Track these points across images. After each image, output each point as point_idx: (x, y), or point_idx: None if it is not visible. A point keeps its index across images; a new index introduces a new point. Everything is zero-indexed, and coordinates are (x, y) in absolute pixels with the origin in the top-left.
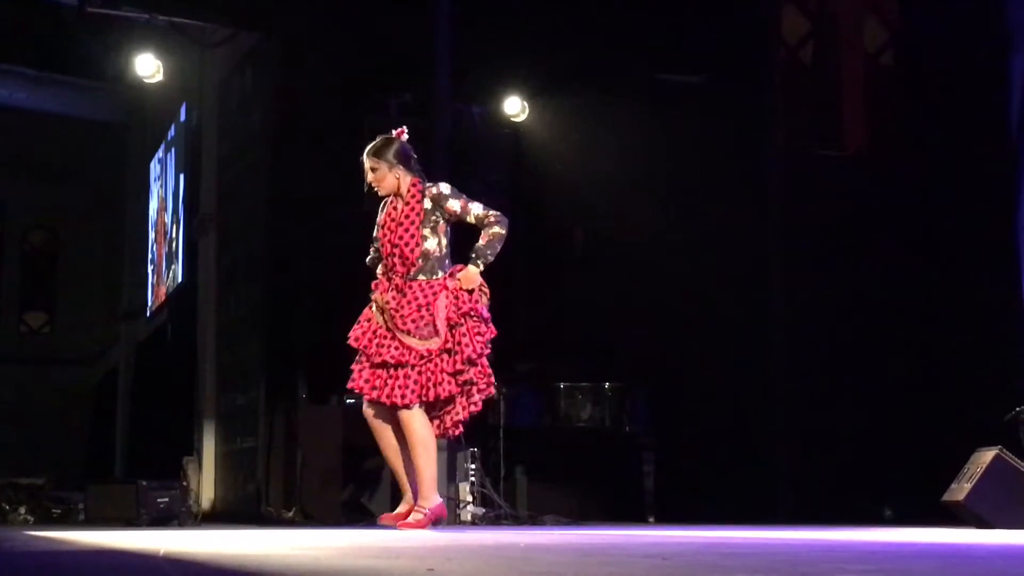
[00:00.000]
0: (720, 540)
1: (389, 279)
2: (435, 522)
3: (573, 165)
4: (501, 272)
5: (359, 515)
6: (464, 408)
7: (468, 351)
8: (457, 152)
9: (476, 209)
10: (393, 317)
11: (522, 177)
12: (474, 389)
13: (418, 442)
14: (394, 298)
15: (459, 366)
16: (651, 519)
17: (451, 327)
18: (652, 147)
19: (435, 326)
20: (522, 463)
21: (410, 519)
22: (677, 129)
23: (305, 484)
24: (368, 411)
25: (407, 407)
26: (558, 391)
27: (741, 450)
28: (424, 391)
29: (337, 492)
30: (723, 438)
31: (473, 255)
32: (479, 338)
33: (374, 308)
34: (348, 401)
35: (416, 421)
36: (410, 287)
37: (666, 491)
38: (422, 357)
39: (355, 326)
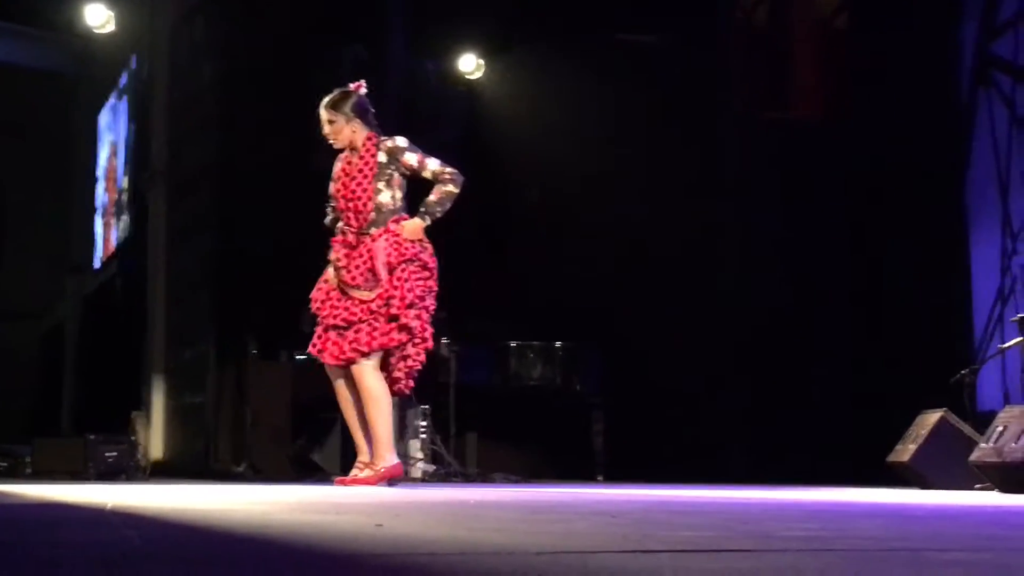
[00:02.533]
0: (669, 499)
1: (344, 235)
2: (389, 481)
3: (528, 123)
4: (454, 230)
5: (309, 471)
6: (404, 361)
7: (408, 295)
8: (410, 108)
9: (433, 164)
10: (342, 273)
11: (477, 135)
12: (408, 345)
13: (369, 397)
14: (346, 254)
15: (394, 310)
16: (600, 478)
17: (391, 271)
18: (608, 107)
19: (375, 270)
20: (473, 421)
21: (360, 475)
22: (633, 89)
23: (254, 440)
24: (327, 368)
25: (356, 361)
26: (509, 350)
27: (692, 411)
28: (373, 343)
29: (287, 448)
30: (674, 399)
31: (422, 209)
32: (420, 283)
33: (331, 268)
34: (298, 357)
35: (368, 375)
36: (362, 241)
37: (616, 451)
38: (371, 311)
39: (316, 288)
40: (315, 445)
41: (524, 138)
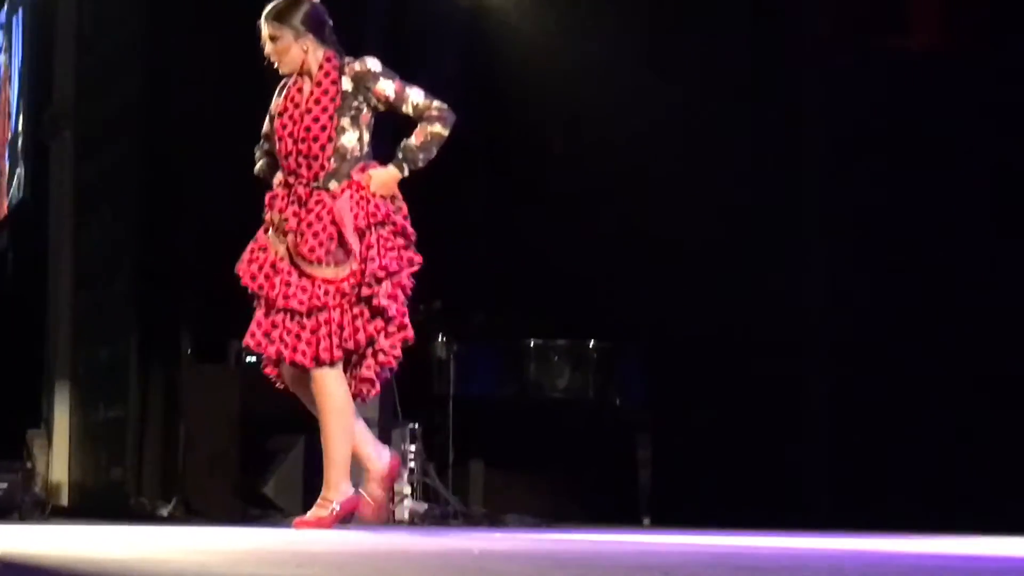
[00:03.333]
0: (735, 549)
1: (289, 188)
2: (344, 520)
3: (552, 55)
4: (449, 190)
5: (260, 510)
6: (376, 357)
7: (374, 266)
8: (396, 32)
9: (415, 96)
10: (296, 243)
11: (484, 69)
12: (380, 335)
13: (332, 410)
14: (295, 215)
15: (364, 289)
16: (646, 521)
17: (360, 236)
18: (652, 36)
19: (342, 239)
20: (478, 445)
21: (309, 515)
22: (685, 14)
23: (189, 468)
24: (277, 374)
25: (323, 365)
26: (527, 351)
27: (764, 434)
28: (345, 339)
29: (231, 479)
30: (741, 418)
31: (398, 155)
32: (393, 252)
33: (270, 232)
34: (248, 359)
35: (332, 383)
36: (317, 199)
37: (666, 485)
38: (343, 294)
39: (245, 256)
40: (268, 475)
41: (546, 74)
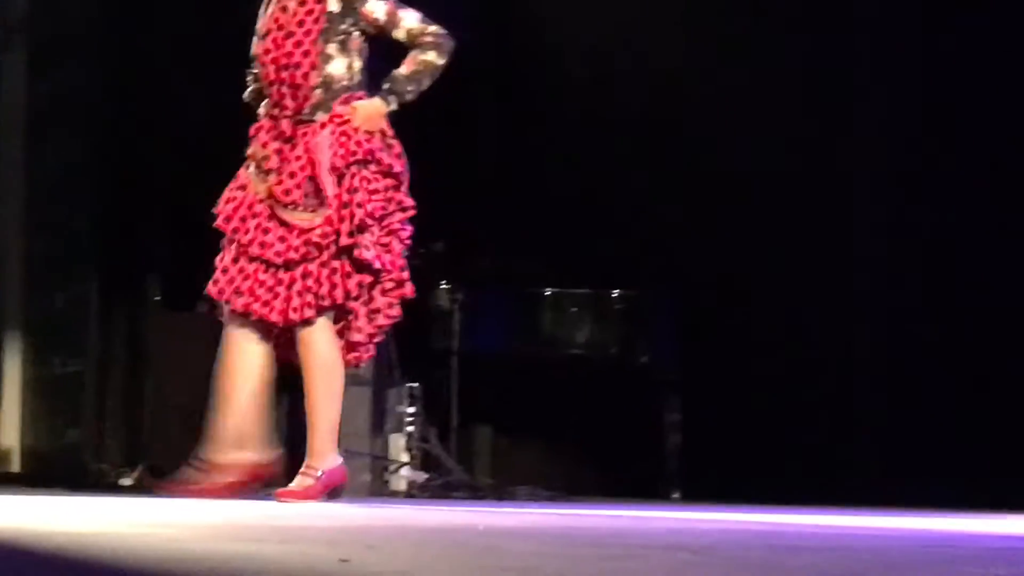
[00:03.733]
0: (774, 527)
1: (275, 121)
2: (331, 492)
3: None
4: (454, 116)
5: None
6: (370, 318)
7: (358, 211)
8: None
9: (410, 20)
10: (273, 182)
11: None
12: (375, 292)
13: (319, 370)
14: (278, 152)
15: (343, 239)
16: (675, 495)
17: (338, 177)
18: None
19: (318, 180)
20: (485, 407)
21: (293, 485)
22: None
23: (157, 430)
24: (231, 323)
25: (308, 322)
26: (541, 301)
27: (807, 398)
28: (321, 296)
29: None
30: (782, 379)
31: (386, 85)
32: (376, 196)
33: (251, 169)
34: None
35: (321, 339)
36: (303, 133)
37: (698, 454)
38: (320, 247)
39: (225, 195)
40: None
41: None
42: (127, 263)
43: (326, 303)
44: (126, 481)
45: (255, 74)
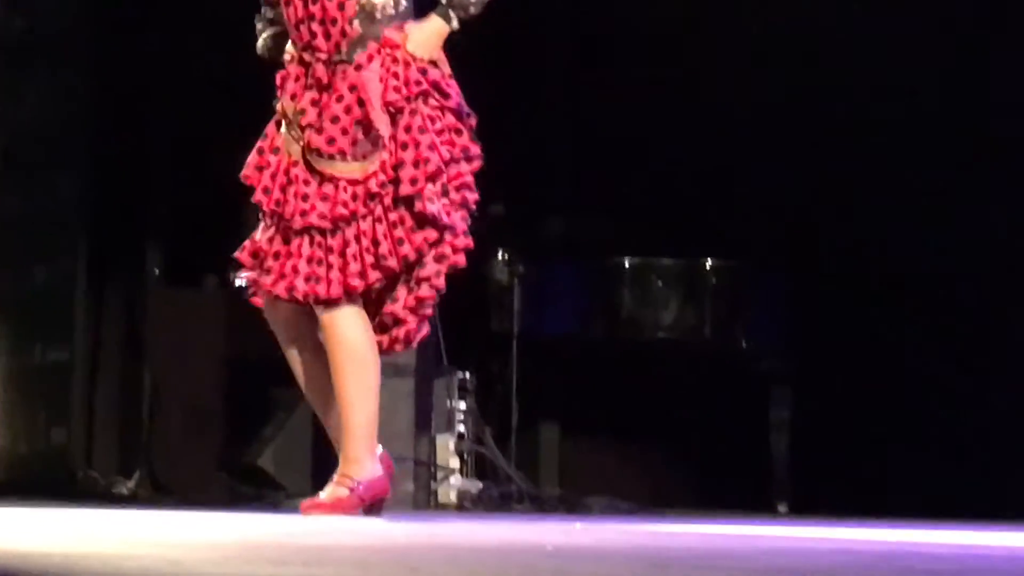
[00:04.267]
0: (903, 547)
1: (306, 68)
2: (370, 505)
3: None
4: (516, 55)
5: (253, 487)
6: (418, 287)
7: (431, 156)
8: None
9: None
10: (310, 135)
11: None
12: (429, 256)
13: (347, 360)
14: (314, 103)
15: (407, 188)
16: (783, 508)
17: (393, 117)
18: None
19: (368, 121)
20: (552, 403)
21: (324, 495)
22: None
23: (157, 431)
24: (273, 313)
25: (331, 302)
26: (620, 273)
27: (946, 395)
28: (382, 256)
29: (214, 446)
30: (917, 370)
31: (443, 1)
32: (444, 135)
33: (283, 128)
34: (238, 282)
35: (345, 324)
36: (342, 76)
37: (810, 459)
38: (371, 196)
39: (254, 159)
40: (266, 442)
41: None
42: (121, 231)
43: (391, 264)
44: (121, 490)
45: (269, 18)
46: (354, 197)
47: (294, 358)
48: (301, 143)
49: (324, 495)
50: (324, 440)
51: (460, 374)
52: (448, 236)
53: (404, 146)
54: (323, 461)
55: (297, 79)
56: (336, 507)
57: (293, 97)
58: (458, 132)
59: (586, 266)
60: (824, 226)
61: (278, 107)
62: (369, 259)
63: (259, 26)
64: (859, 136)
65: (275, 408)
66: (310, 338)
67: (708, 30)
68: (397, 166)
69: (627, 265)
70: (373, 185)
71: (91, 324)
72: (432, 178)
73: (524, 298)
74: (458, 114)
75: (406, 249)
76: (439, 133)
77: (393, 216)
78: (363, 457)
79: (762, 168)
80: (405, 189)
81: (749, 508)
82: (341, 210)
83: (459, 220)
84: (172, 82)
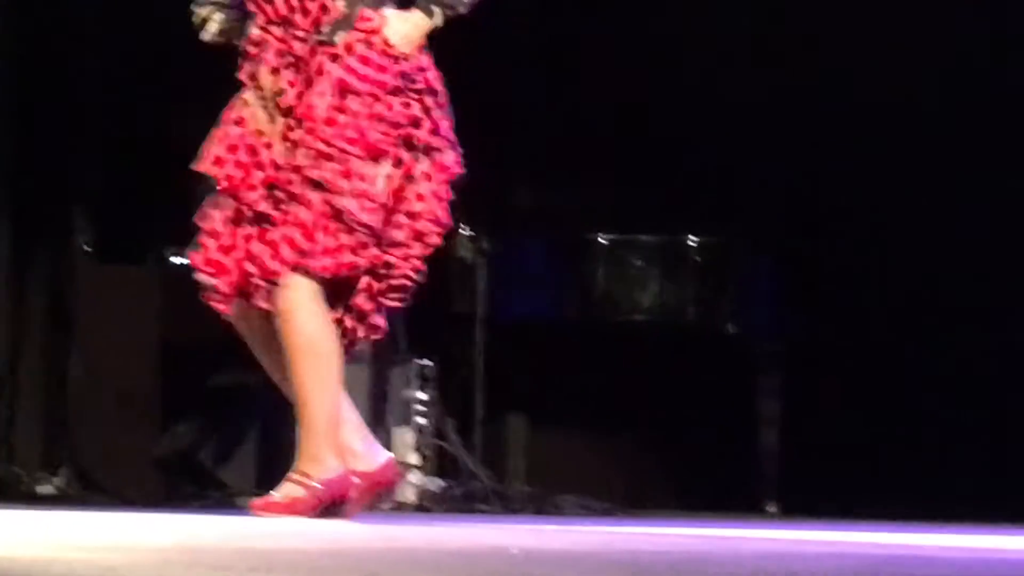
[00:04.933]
0: (902, 551)
1: (287, 44)
2: (328, 505)
3: None
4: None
5: (194, 486)
6: (380, 277)
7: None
8: None
9: None
10: (303, 122)
11: None
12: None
13: (302, 349)
14: (291, 84)
15: (360, 166)
16: (772, 508)
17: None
18: None
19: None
20: (520, 393)
21: (277, 494)
22: None
23: (86, 422)
24: (233, 309)
25: (274, 279)
26: (595, 250)
27: (946, 384)
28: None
29: (148, 439)
30: (915, 357)
31: None
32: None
33: (253, 100)
34: (174, 260)
35: (300, 309)
36: (321, 62)
37: (802, 455)
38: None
39: (217, 134)
40: (207, 434)
41: None
42: (47, 201)
43: (308, 257)
44: (46, 489)
45: (217, 1)
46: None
47: (254, 342)
48: (278, 125)
49: (277, 493)
50: (269, 433)
51: (419, 361)
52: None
53: (352, 131)
54: (269, 455)
55: (276, 52)
56: (291, 507)
57: (275, 72)
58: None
59: (557, 243)
60: (818, 201)
61: (247, 76)
62: (285, 248)
63: (203, 10)
64: (858, 110)
65: (216, 397)
66: (265, 320)
67: None
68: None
69: (602, 242)
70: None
71: (12, 305)
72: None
73: (490, 277)
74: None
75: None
76: (412, 124)
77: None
78: (322, 454)
79: (752, 138)
80: (308, 169)
81: (735, 508)
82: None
83: (436, 208)
84: (106, 28)
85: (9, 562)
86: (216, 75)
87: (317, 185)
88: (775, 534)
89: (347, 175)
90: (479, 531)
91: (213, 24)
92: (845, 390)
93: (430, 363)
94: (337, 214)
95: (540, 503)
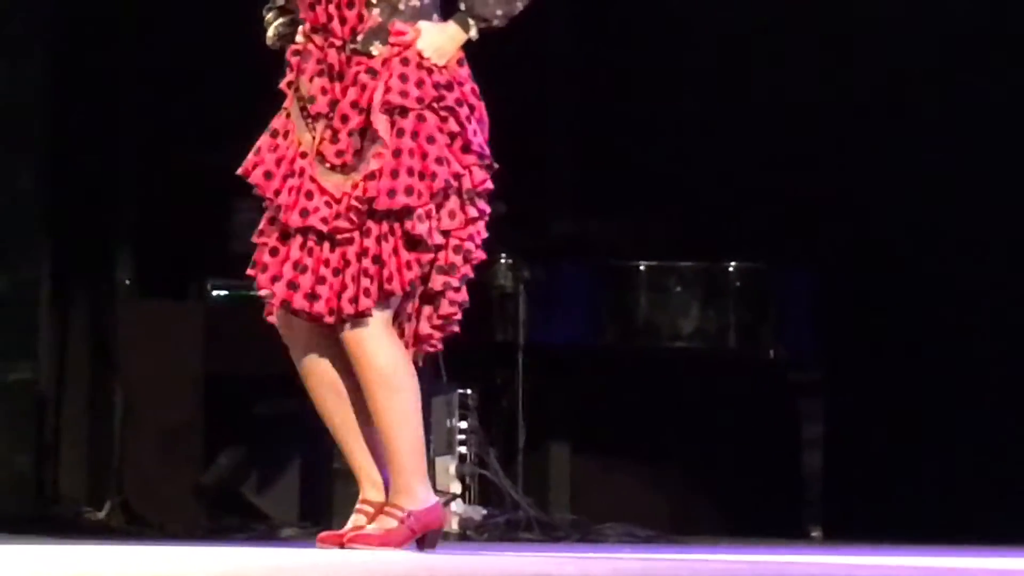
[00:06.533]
0: (948, 574)
1: (323, 52)
2: (421, 539)
3: None
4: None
5: (239, 517)
6: (433, 304)
7: (427, 169)
8: None
9: None
10: (324, 139)
11: None
12: (433, 273)
13: (380, 382)
14: (324, 91)
15: (401, 197)
16: (815, 533)
17: (393, 120)
18: None
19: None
20: (562, 420)
21: (370, 528)
22: None
23: (130, 455)
24: (286, 327)
25: (361, 317)
26: (635, 276)
27: (991, 408)
28: (386, 279)
29: (192, 472)
30: (960, 382)
31: (463, 5)
32: (446, 145)
33: (294, 109)
34: (217, 293)
35: (376, 342)
36: (355, 72)
37: (845, 480)
38: (373, 212)
39: (258, 147)
40: (250, 467)
41: None
42: (88, 235)
43: (393, 288)
44: (92, 518)
45: (280, 5)
46: (348, 208)
47: (311, 369)
48: (312, 133)
49: (372, 527)
50: (311, 464)
51: (461, 390)
52: (445, 262)
53: (411, 154)
54: (311, 487)
55: (314, 59)
56: (385, 540)
57: (311, 79)
58: (463, 138)
59: (597, 270)
60: (857, 225)
61: (288, 87)
62: (366, 282)
63: (268, 15)
64: (894, 132)
65: (258, 429)
66: (327, 346)
67: (727, 21)
68: (394, 173)
69: (642, 268)
70: (357, 198)
71: (55, 339)
72: (437, 194)
73: (530, 305)
74: (469, 119)
75: (409, 274)
76: (443, 141)
77: (382, 227)
78: (413, 485)
79: (790, 164)
80: (383, 202)
81: (779, 534)
82: (341, 223)
83: (481, 230)
84: (143, 68)
85: None
86: (254, 105)
87: (398, 214)
88: (820, 559)
89: (421, 198)
90: (522, 560)
91: (271, 28)
92: (887, 414)
93: (471, 392)
94: (409, 240)
95: (583, 531)
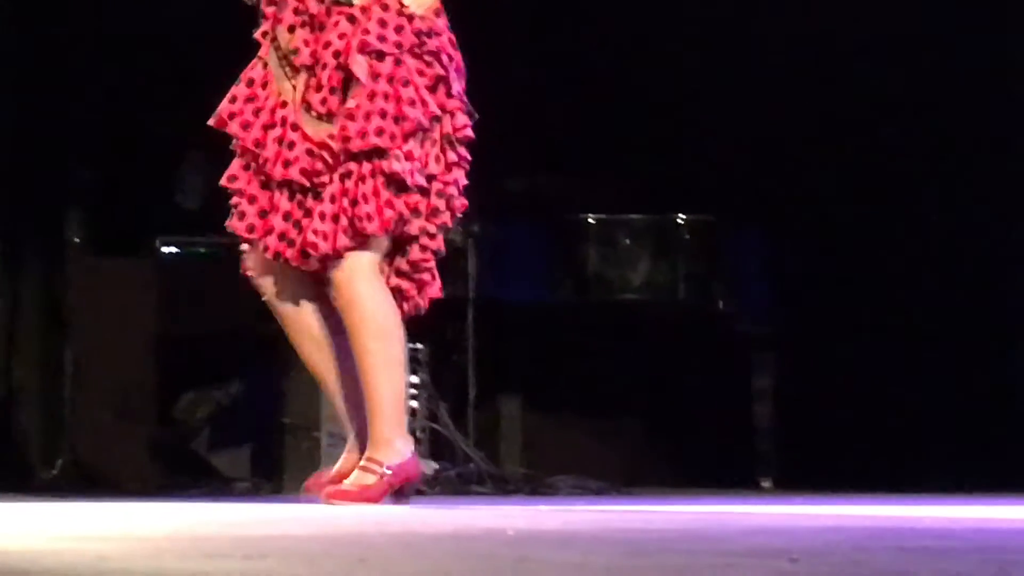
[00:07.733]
0: (898, 523)
1: (302, 2)
2: (399, 492)
3: None
4: None
5: (190, 475)
6: (409, 258)
7: (400, 112)
8: None
9: None
10: (310, 88)
11: None
12: (412, 222)
13: (369, 328)
14: (306, 43)
15: (357, 140)
16: (766, 483)
17: (373, 65)
18: None
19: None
20: (513, 374)
21: (347, 483)
22: None
23: (81, 414)
24: (257, 273)
25: (337, 255)
26: (585, 230)
27: (941, 359)
28: (371, 214)
29: (144, 429)
30: (911, 332)
31: None
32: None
33: (272, 59)
34: (166, 250)
35: (364, 284)
36: (336, 22)
37: (795, 431)
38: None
39: (233, 96)
40: (205, 424)
41: None
42: (38, 192)
43: (367, 227)
44: (42, 477)
45: None
46: (331, 152)
47: (294, 320)
48: (293, 82)
49: (350, 482)
50: (264, 420)
51: (411, 345)
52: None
53: (385, 97)
54: (263, 443)
55: (297, 11)
56: (363, 495)
57: (291, 29)
58: (442, 83)
59: (546, 224)
60: (809, 176)
61: (263, 35)
62: (344, 221)
63: None
64: (848, 82)
65: (209, 386)
66: (307, 295)
67: None
68: (367, 116)
69: (591, 221)
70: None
71: (6, 299)
72: (409, 136)
73: (480, 260)
74: (445, 65)
75: (390, 214)
76: (433, 89)
77: (364, 168)
78: (392, 438)
79: (739, 116)
80: (356, 143)
81: (731, 485)
82: (318, 165)
83: (461, 177)
84: (91, 28)
85: (4, 552)
86: (206, 65)
87: (369, 154)
88: (770, 509)
89: (394, 140)
90: (474, 513)
91: None
92: (838, 365)
93: (421, 347)
94: (390, 180)
95: (534, 484)
